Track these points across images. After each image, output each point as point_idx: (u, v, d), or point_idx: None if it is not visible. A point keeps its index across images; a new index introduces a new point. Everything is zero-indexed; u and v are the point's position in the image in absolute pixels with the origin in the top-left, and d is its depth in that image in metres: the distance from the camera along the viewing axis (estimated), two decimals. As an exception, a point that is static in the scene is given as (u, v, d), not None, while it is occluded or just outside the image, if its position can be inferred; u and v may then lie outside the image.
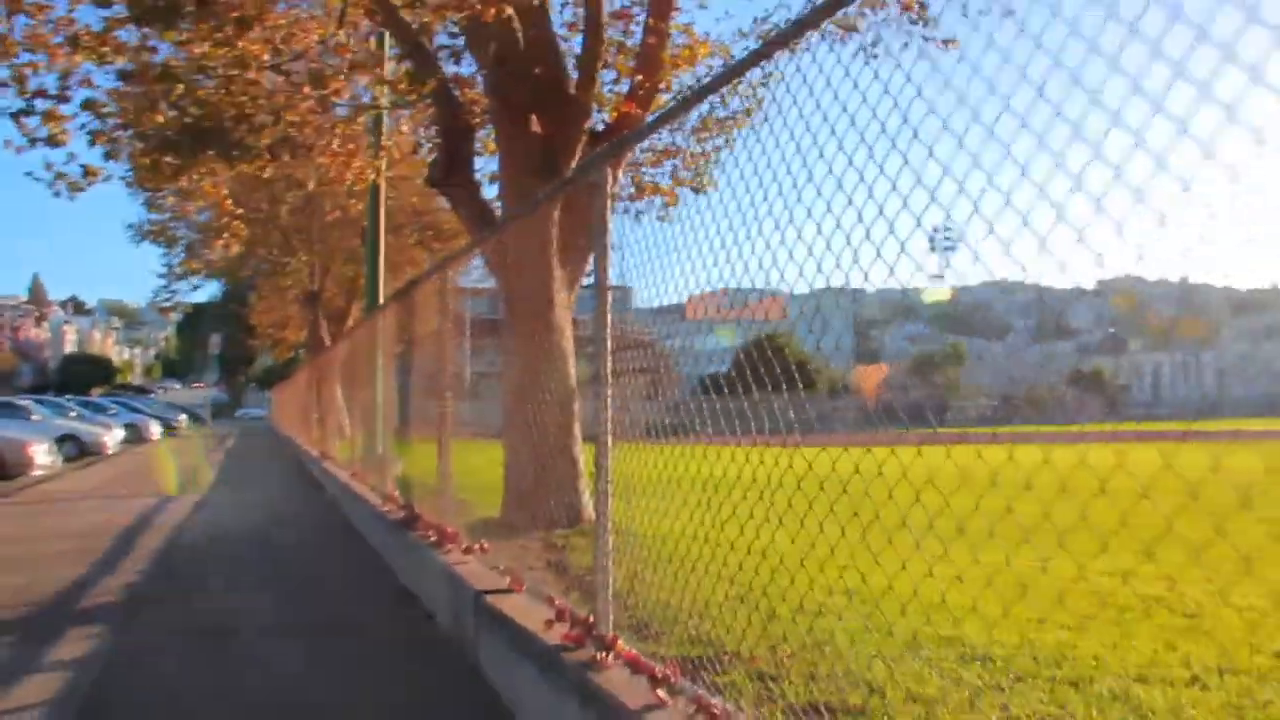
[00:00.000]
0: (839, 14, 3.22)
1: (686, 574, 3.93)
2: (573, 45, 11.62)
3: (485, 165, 14.28)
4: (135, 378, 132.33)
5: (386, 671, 5.80)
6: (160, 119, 10.57)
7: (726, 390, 3.91)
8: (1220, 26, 2.02)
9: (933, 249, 3.03)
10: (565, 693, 4.07)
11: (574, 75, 10.62)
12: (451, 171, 10.81)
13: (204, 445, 38.44)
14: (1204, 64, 2.04)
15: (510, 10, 9.42)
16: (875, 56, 3.51)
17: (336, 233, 31.73)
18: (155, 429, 42.09)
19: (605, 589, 4.26)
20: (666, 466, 4.10)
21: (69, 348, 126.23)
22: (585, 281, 10.70)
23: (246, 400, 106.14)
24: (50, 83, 10.00)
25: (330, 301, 37.77)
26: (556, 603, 4.87)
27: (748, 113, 12.68)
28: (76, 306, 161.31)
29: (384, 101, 13.63)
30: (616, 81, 12.46)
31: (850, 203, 3.02)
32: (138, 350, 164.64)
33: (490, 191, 12.87)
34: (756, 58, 3.57)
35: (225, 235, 16.17)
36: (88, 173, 11.13)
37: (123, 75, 10.14)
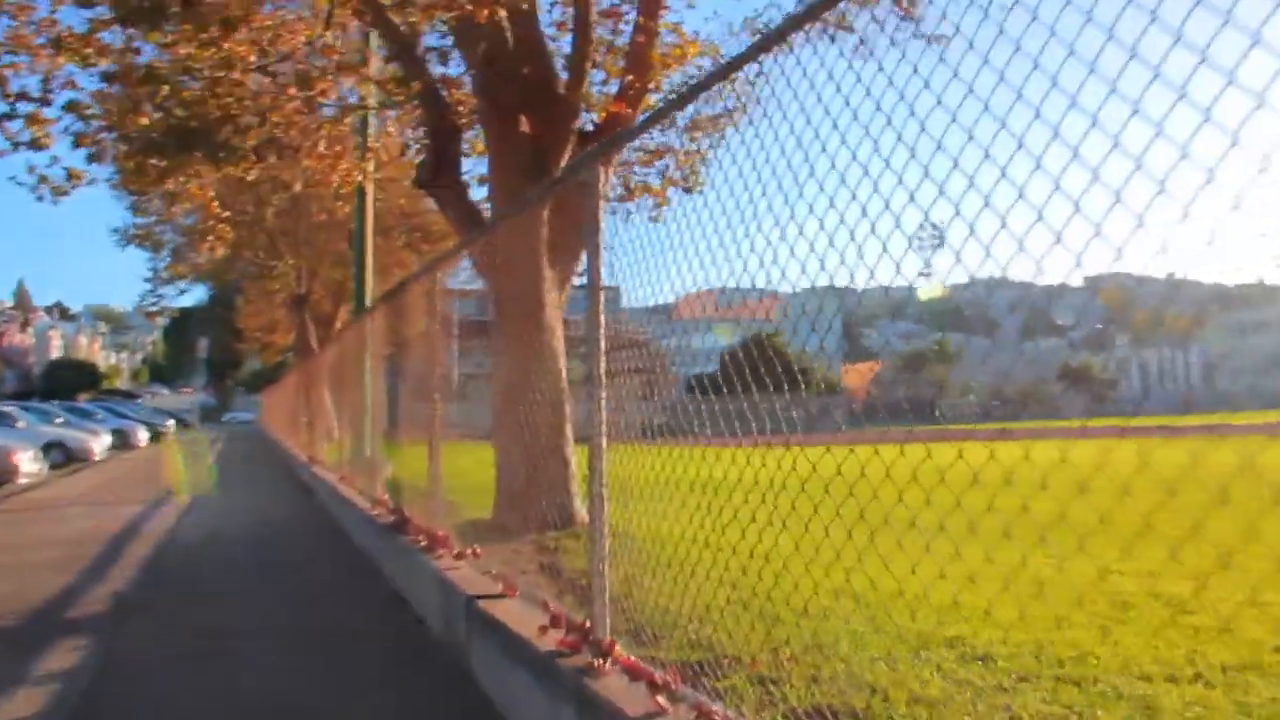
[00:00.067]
0: (831, 12, 3.18)
1: (686, 578, 3.88)
2: (561, 45, 11.56)
3: (473, 167, 14.22)
4: (122, 383, 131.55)
5: (378, 678, 5.74)
6: (145, 121, 10.47)
7: (721, 390, 3.86)
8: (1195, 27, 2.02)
9: (920, 247, 3.03)
10: (561, 700, 4.01)
11: (563, 75, 10.56)
12: (439, 173, 10.73)
13: (192, 450, 38.23)
14: (1182, 65, 2.04)
15: (503, 11, 9.35)
16: (871, 53, 3.48)
17: (323, 235, 31.63)
18: (143, 434, 41.85)
19: (601, 594, 4.20)
20: (663, 468, 4.05)
21: (54, 353, 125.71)
22: (576, 282, 10.65)
23: (235, 404, 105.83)
24: (33, 85, 9.91)
25: (318, 305, 37.67)
26: (551, 608, 4.81)
27: (741, 110, 12.62)
28: (62, 312, 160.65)
29: (371, 102, 13.55)
30: (605, 82, 12.40)
31: (853, 197, 3.00)
32: (124, 355, 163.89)
33: (479, 193, 12.79)
34: (749, 56, 3.52)
35: (210, 238, 16.05)
36: (71, 176, 11.02)
37: (106, 77, 10.04)
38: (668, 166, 14.21)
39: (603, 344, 4.31)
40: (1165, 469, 2.33)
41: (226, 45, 9.85)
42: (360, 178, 15.10)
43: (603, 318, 4.33)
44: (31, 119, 10.00)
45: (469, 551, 6.88)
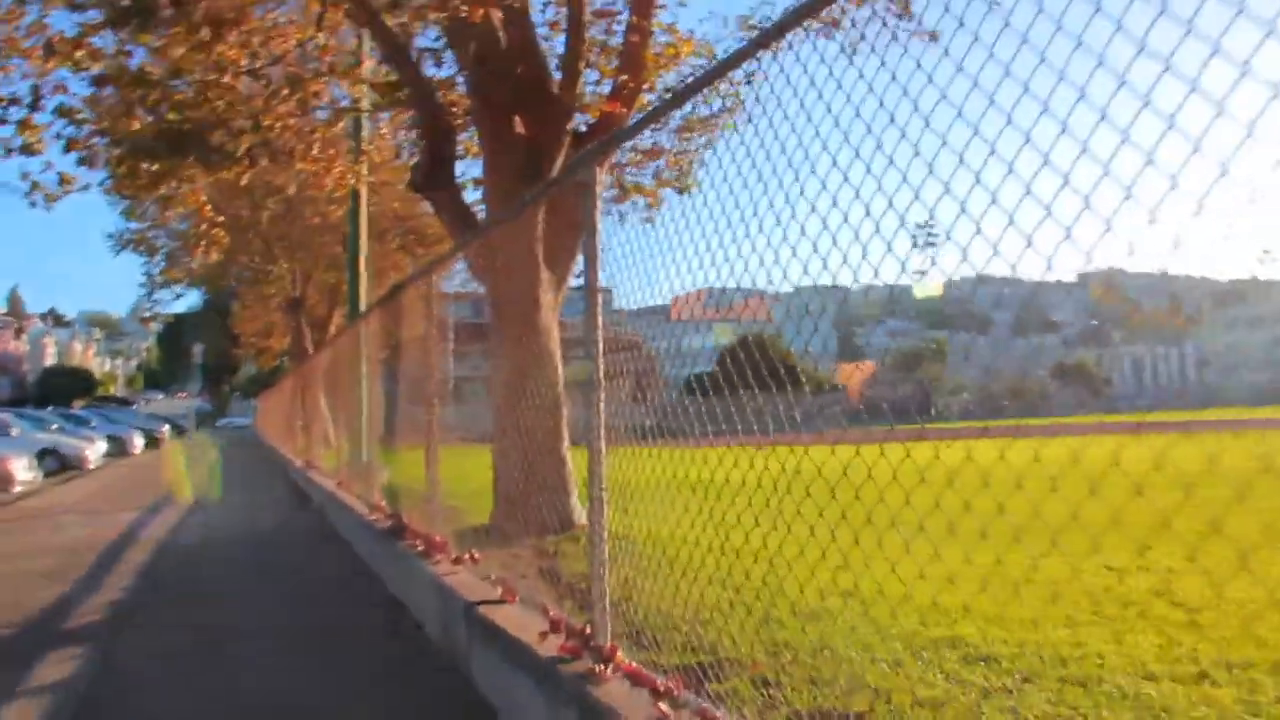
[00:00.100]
0: (825, 11, 3.16)
1: (689, 582, 3.84)
2: (555, 45, 11.52)
3: (467, 170, 14.17)
4: (117, 389, 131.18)
5: (376, 683, 5.70)
6: (136, 124, 10.41)
7: (719, 391, 3.83)
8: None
9: (915, 245, 3.02)
10: (563, 706, 3.96)
11: (556, 75, 10.51)
12: (433, 175, 10.67)
13: (188, 456, 38.15)
14: (1193, 58, 2.03)
15: (499, 12, 9.31)
16: (872, 50, 3.45)
17: (318, 239, 31.54)
18: (138, 441, 41.66)
19: (602, 599, 4.15)
20: (662, 470, 4.01)
21: (49, 360, 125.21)
22: (572, 283, 10.61)
23: (230, 409, 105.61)
24: (24, 90, 9.85)
25: (313, 309, 37.61)
26: (551, 613, 4.76)
27: (731, 111, 12.59)
28: (56, 318, 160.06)
29: (365, 104, 13.50)
30: (599, 83, 12.36)
31: (856, 194, 2.98)
32: (119, 361, 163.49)
33: (473, 196, 12.74)
34: (743, 55, 3.49)
35: (204, 242, 15.98)
36: (63, 181, 10.94)
37: (97, 81, 9.98)
38: (660, 168, 14.18)
39: (601, 346, 4.27)
40: (1175, 466, 2.29)
41: (218, 48, 9.80)
42: (354, 180, 15.03)
43: (601, 320, 4.28)
44: (23, 125, 9.94)
45: (467, 557, 6.84)
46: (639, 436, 4.45)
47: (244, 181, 12.88)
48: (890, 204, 2.83)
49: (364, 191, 18.06)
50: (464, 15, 8.89)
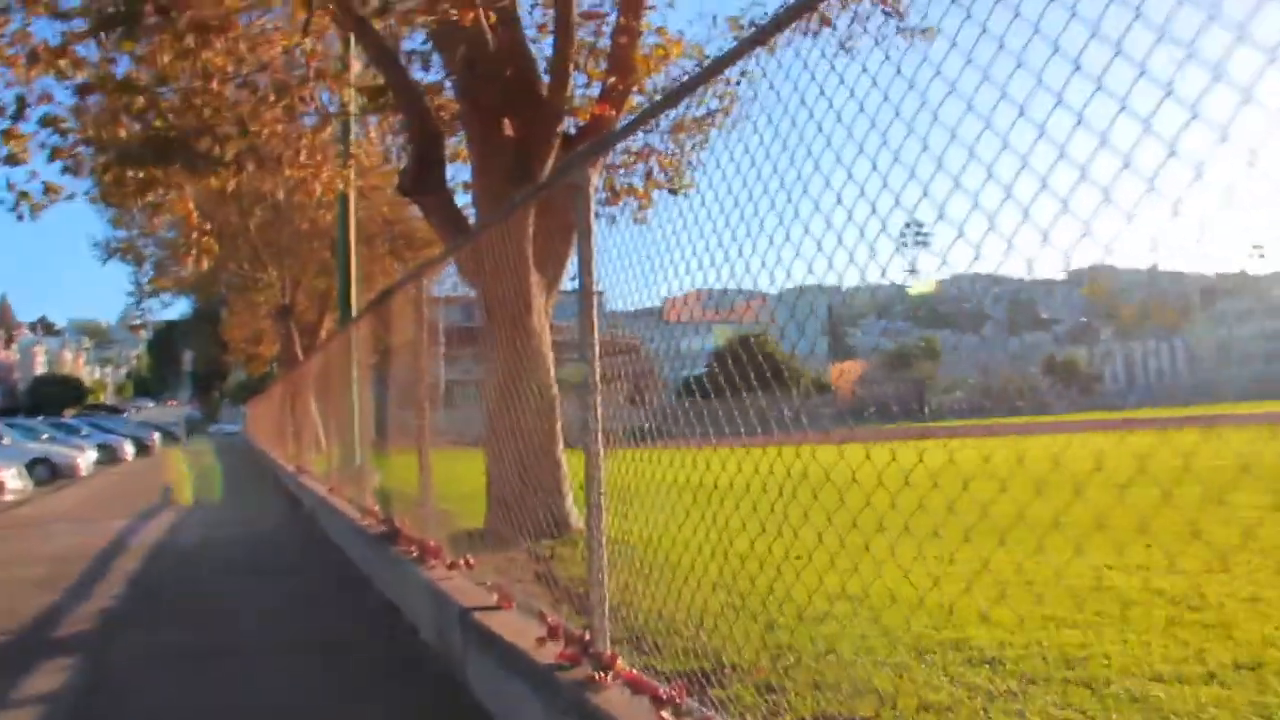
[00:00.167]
0: (818, 10, 3.13)
1: (691, 589, 3.80)
2: (543, 48, 11.47)
3: (456, 174, 14.11)
4: (107, 397, 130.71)
5: (371, 690, 5.64)
6: (123, 132, 10.34)
7: (719, 392, 3.79)
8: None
9: (905, 244, 3.01)
10: (561, 714, 3.91)
11: (545, 78, 10.47)
12: (422, 178, 10.62)
13: (179, 463, 38.02)
14: (1166, 61, 2.04)
15: (492, 15, 9.26)
16: (853, 48, 3.43)
17: (307, 245, 31.44)
18: (129, 449, 41.57)
19: (601, 605, 4.10)
20: (663, 473, 3.96)
21: (39, 369, 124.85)
22: (565, 286, 10.57)
23: (221, 416, 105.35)
24: (8, 99, 9.78)
25: (302, 315, 37.48)
26: (549, 619, 4.71)
27: (724, 112, 12.56)
28: (46, 327, 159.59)
29: (353, 108, 13.44)
30: (588, 85, 12.31)
31: (869, 192, 2.95)
32: (109, 369, 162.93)
33: (463, 200, 12.69)
34: (741, 51, 3.45)
35: (195, 250, 15.91)
36: (48, 190, 10.87)
37: (81, 90, 9.90)
38: (651, 169, 14.12)
39: (598, 349, 4.22)
40: (1161, 464, 2.26)
41: (204, 55, 9.73)
42: (342, 185, 14.97)
43: (596, 322, 4.24)
44: (8, 134, 9.87)
45: (462, 562, 6.79)
46: (642, 439, 4.41)
47: (231, 188, 12.80)
48: (896, 201, 2.81)
49: (352, 195, 17.99)
50: (454, 18, 8.83)
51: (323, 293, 34.49)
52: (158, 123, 10.29)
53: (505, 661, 4.70)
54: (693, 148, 13.67)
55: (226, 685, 5.91)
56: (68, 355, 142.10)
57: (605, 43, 11.77)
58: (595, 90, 11.68)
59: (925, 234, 2.85)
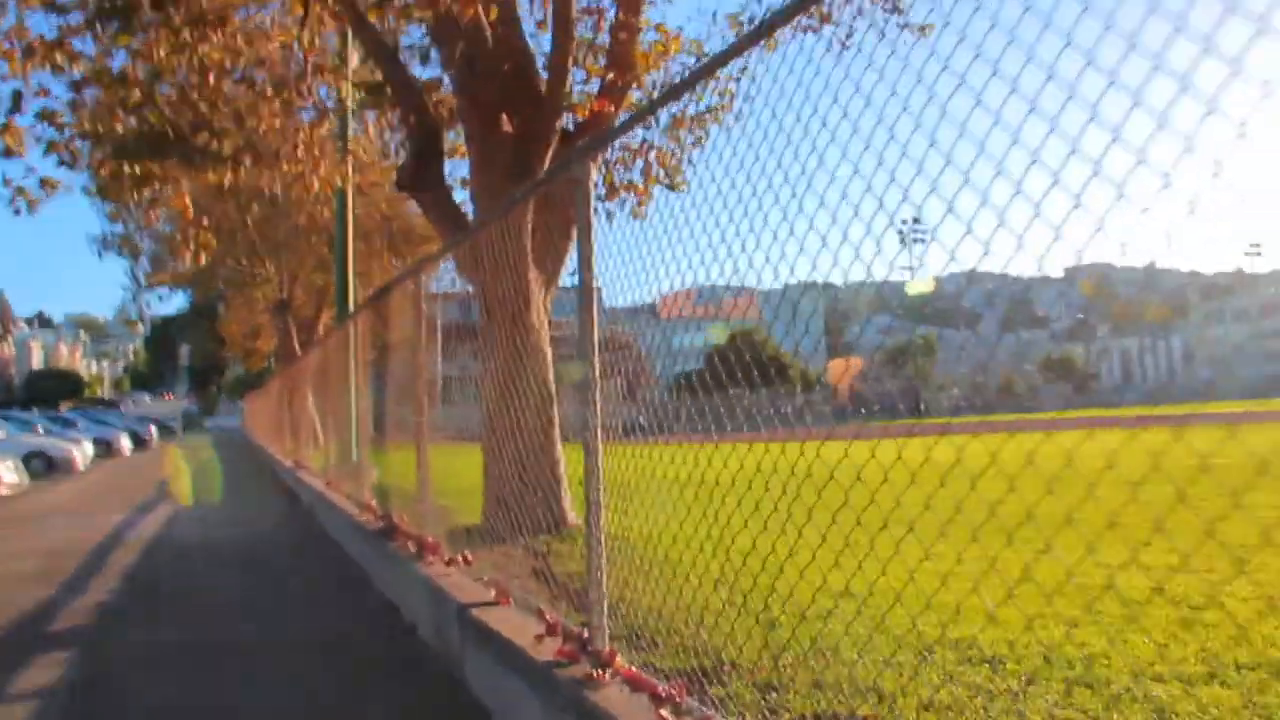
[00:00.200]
0: (818, 6, 3.11)
1: (693, 585, 3.78)
2: (542, 44, 11.45)
3: (454, 170, 14.08)
4: (104, 391, 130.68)
5: (369, 687, 5.63)
6: (119, 127, 10.31)
7: (718, 387, 3.78)
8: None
9: (903, 242, 3.01)
10: (560, 711, 3.90)
11: (544, 74, 10.44)
12: (421, 174, 10.60)
13: (176, 457, 37.98)
14: (1183, 55, 2.02)
15: (491, 11, 9.23)
16: (849, 47, 3.42)
17: (305, 240, 31.41)
18: (126, 443, 41.48)
19: (599, 602, 4.08)
20: (659, 470, 3.95)
21: (35, 363, 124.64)
22: (564, 282, 10.55)
23: (218, 410, 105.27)
24: (4, 93, 9.74)
25: (300, 310, 37.46)
26: (547, 616, 4.69)
27: (723, 108, 12.53)
28: (42, 321, 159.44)
29: (350, 103, 13.41)
30: (586, 81, 12.29)
31: (872, 189, 2.95)
32: (106, 364, 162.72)
33: (460, 196, 12.66)
34: (742, 46, 3.43)
35: (192, 245, 15.88)
36: (44, 184, 10.83)
37: (76, 85, 9.87)
38: (648, 165, 14.09)
39: (597, 345, 4.20)
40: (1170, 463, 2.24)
41: (201, 49, 9.70)
42: (340, 181, 14.94)
43: (596, 318, 4.22)
44: (4, 129, 9.83)
45: (459, 558, 6.77)
46: (640, 434, 4.40)
47: (228, 183, 12.76)
48: (880, 204, 2.82)
49: (350, 191, 17.96)
50: (454, 14, 8.81)
51: (320, 288, 34.47)
52: (154, 117, 10.26)
53: (503, 658, 4.69)
54: (693, 144, 13.63)
55: (220, 680, 5.89)
56: (64, 349, 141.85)
57: (604, 39, 11.76)
58: (594, 86, 11.66)
59: (922, 231, 2.85)
